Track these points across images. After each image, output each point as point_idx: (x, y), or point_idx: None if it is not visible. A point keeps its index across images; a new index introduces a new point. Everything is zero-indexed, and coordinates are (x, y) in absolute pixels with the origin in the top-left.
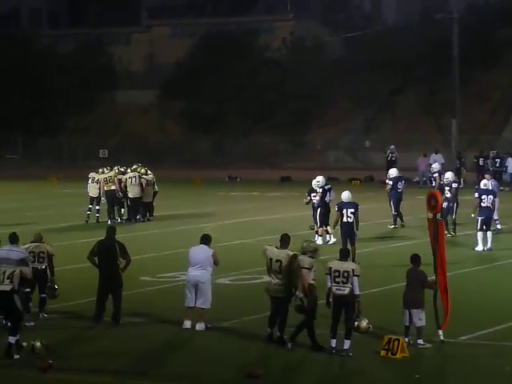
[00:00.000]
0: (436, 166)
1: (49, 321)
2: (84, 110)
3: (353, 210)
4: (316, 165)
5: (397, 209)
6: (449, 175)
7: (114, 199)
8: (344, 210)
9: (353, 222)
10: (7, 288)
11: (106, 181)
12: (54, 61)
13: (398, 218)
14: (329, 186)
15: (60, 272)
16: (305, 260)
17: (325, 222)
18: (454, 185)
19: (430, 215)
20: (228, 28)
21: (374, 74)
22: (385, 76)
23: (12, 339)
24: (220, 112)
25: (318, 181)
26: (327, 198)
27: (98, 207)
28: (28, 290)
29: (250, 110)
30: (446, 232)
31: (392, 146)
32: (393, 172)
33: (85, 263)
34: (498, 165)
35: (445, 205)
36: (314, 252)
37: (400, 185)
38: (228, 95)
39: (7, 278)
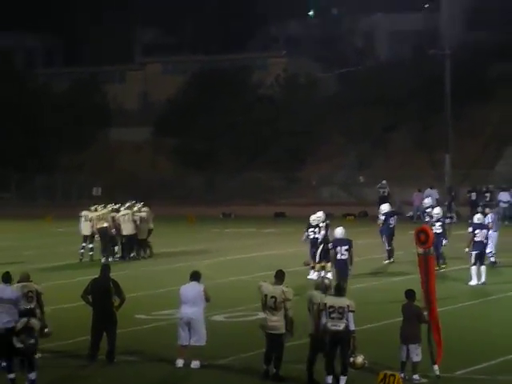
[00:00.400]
0: (428, 201)
1: (42, 360)
2: (78, 147)
3: (347, 247)
4: (310, 201)
5: (389, 244)
6: (438, 210)
7: (107, 236)
8: (338, 248)
9: (347, 259)
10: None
11: (99, 218)
12: (49, 99)
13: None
14: (328, 221)
15: (54, 311)
16: (317, 296)
17: (326, 257)
18: (448, 220)
19: (420, 250)
20: (221, 65)
21: (367, 110)
22: (378, 112)
23: (33, 375)
24: (212, 148)
25: (319, 216)
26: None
27: (91, 245)
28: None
29: (243, 146)
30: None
31: (383, 182)
32: (384, 207)
33: (79, 302)
34: (487, 199)
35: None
36: (326, 289)
37: (392, 220)
38: (220, 132)
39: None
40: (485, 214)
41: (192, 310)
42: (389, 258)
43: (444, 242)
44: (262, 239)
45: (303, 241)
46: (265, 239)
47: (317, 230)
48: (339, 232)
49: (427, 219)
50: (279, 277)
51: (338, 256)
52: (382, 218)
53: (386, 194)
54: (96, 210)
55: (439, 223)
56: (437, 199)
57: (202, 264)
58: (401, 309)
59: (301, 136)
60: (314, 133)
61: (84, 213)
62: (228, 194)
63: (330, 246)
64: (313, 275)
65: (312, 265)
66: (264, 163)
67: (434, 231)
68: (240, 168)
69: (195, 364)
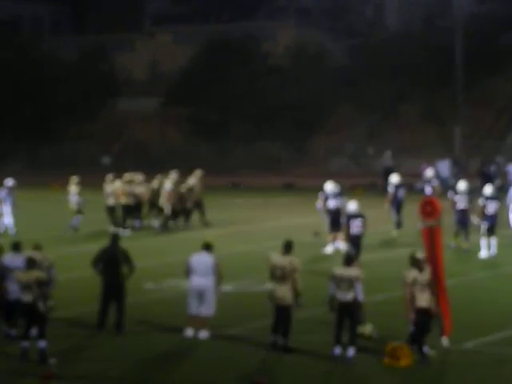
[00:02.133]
0: (430, 173)
1: (50, 329)
2: (86, 117)
3: (360, 223)
4: (319, 172)
5: (397, 214)
6: (463, 185)
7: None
8: (351, 222)
9: (360, 234)
10: (30, 299)
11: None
12: (56, 68)
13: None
14: (339, 191)
15: (63, 281)
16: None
17: (337, 228)
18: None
19: (426, 222)
20: (231, 34)
21: (377, 82)
22: (388, 83)
23: (43, 343)
24: (222, 119)
25: (333, 186)
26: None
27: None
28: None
29: (252, 116)
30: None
31: (388, 152)
32: (393, 179)
33: (88, 271)
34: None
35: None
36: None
37: (400, 192)
38: (231, 102)
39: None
40: (500, 187)
41: (203, 280)
42: (397, 229)
43: (478, 221)
44: (272, 210)
45: (319, 208)
46: (274, 210)
47: (334, 200)
48: (352, 207)
49: (428, 192)
50: (287, 247)
51: (351, 230)
52: (392, 189)
53: (389, 164)
54: (129, 182)
55: (465, 198)
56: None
57: (211, 234)
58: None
59: (310, 107)
60: (324, 104)
61: (110, 185)
62: (238, 164)
63: (343, 219)
64: (329, 248)
65: (330, 239)
66: (273, 134)
67: (460, 208)
68: (250, 138)
69: (203, 334)
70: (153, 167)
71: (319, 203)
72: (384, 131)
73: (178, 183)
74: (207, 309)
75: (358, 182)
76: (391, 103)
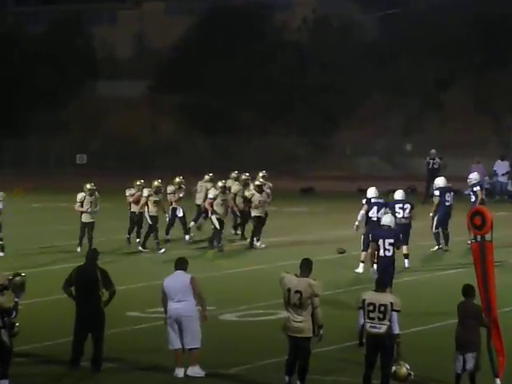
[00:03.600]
0: (475, 177)
1: (14, 366)
2: (57, 104)
3: (392, 241)
4: (344, 173)
5: (440, 225)
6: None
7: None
8: (381, 241)
9: (391, 256)
10: None
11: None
12: (21, 45)
13: (443, 240)
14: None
15: (29, 306)
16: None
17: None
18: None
19: (477, 236)
20: (235, 3)
21: (415, 62)
22: (429, 64)
23: (5, 383)
24: (224, 107)
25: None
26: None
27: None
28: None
29: (262, 105)
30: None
31: (433, 151)
32: (439, 182)
33: (60, 294)
34: None
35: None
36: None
37: (448, 197)
38: (235, 87)
39: None
40: None
41: (181, 305)
42: (438, 244)
43: None
44: (286, 220)
45: (361, 216)
46: (289, 221)
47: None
48: (386, 220)
49: (473, 199)
50: (306, 267)
51: (381, 252)
52: (437, 193)
53: (436, 166)
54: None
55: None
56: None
57: (211, 251)
58: (456, 308)
59: (333, 93)
60: (350, 89)
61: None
62: (243, 163)
63: (369, 237)
64: (360, 269)
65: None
66: (287, 126)
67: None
68: (258, 132)
69: (194, 371)
70: (139, 166)
71: (361, 213)
72: (424, 123)
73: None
74: (191, 341)
75: (392, 185)
76: (433, 89)
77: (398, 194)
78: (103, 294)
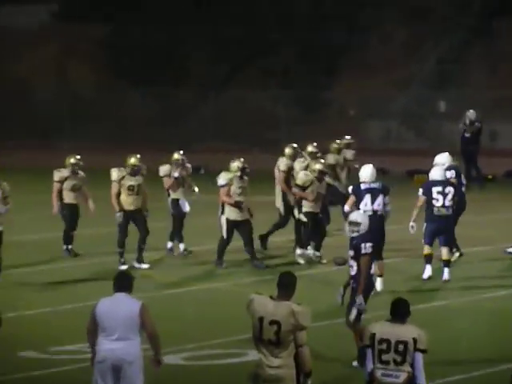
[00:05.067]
0: None
1: None
2: None
3: (351, 253)
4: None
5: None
6: None
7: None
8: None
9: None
10: None
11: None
12: None
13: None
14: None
15: None
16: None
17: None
18: None
19: None
20: None
21: None
22: None
23: None
24: (169, 47)
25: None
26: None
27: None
28: None
29: (222, 45)
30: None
31: (471, 112)
32: (441, 159)
33: None
34: None
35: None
36: None
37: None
38: (181, 16)
39: None
40: None
41: (122, 345)
42: (458, 249)
43: None
44: (257, 215)
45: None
46: (262, 214)
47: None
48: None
49: None
50: (286, 286)
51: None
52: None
53: (475, 131)
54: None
55: None
56: None
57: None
58: None
59: (329, 27)
60: (355, 20)
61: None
62: (197, 129)
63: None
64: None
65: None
66: (260, 76)
67: None
68: (216, 84)
69: None
70: (39, 130)
71: (346, 207)
72: (465, 70)
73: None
74: None
75: (417, 164)
76: (479, 18)
77: (436, 172)
78: None
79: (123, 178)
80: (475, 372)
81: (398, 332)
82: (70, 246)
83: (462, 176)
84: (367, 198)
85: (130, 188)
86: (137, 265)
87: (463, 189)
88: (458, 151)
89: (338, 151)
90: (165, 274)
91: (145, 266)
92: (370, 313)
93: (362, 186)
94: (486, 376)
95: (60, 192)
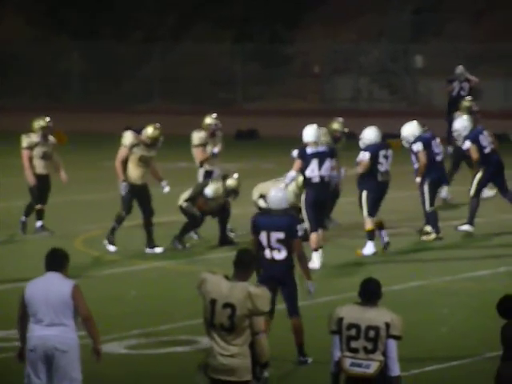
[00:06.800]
0: None
1: None
2: None
3: (281, 236)
4: (310, 105)
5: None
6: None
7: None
8: (263, 234)
9: (286, 259)
10: None
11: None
12: None
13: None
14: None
15: None
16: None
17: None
18: None
19: None
20: None
21: None
22: None
23: None
24: None
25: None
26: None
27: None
28: None
29: None
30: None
31: (460, 68)
32: (410, 129)
33: None
34: None
35: None
36: None
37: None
38: None
39: None
40: None
41: (54, 332)
42: (436, 232)
43: None
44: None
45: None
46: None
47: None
48: (275, 197)
49: None
50: (245, 264)
51: (267, 253)
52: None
53: (463, 93)
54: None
55: None
56: None
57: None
58: (500, 334)
59: None
60: None
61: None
62: (144, 88)
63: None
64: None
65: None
66: (214, 24)
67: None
68: (164, 36)
69: None
70: None
71: (289, 175)
72: (449, 16)
73: None
74: None
75: (393, 127)
76: None
77: (370, 132)
78: None
79: (137, 145)
80: (454, 361)
81: (368, 316)
82: (40, 223)
83: (436, 141)
84: (314, 163)
85: (142, 159)
86: (149, 250)
87: (438, 158)
88: (440, 112)
89: None
90: (105, 250)
91: (159, 249)
92: (338, 294)
93: (309, 150)
94: (467, 366)
95: (30, 160)
